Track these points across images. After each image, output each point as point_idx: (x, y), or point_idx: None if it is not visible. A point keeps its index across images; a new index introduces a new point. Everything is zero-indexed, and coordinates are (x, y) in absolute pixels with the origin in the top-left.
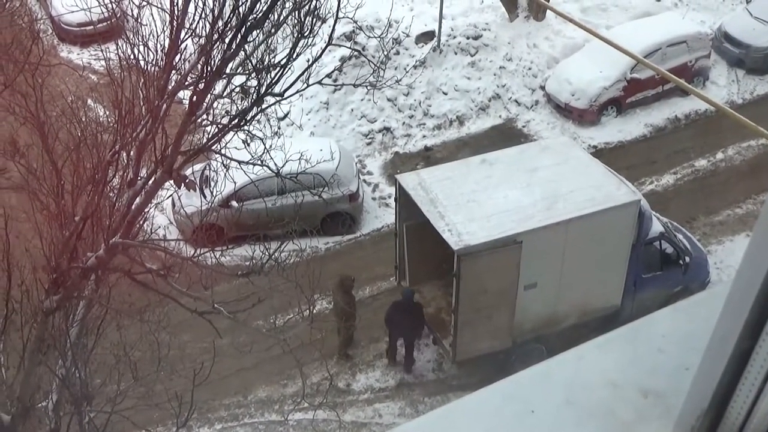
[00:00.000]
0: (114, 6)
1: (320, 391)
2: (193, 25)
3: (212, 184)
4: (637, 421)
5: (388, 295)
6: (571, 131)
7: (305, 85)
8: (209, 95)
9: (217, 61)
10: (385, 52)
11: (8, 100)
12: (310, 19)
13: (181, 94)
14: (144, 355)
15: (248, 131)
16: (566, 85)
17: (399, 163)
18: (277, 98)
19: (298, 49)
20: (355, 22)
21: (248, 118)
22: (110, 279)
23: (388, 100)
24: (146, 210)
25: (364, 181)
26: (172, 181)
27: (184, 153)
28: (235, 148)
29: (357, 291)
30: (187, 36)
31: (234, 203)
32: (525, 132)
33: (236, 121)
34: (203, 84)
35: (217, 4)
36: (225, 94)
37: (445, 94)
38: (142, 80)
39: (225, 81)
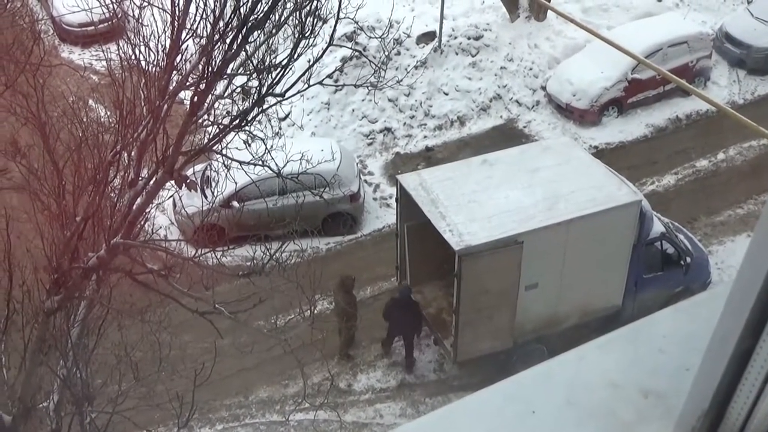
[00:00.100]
0: (115, 6)
1: (321, 391)
2: (194, 26)
3: (213, 184)
4: (638, 421)
5: (389, 295)
6: (572, 131)
7: (306, 85)
8: (210, 96)
9: (218, 62)
10: (386, 53)
11: (9, 100)
12: (311, 19)
13: (182, 94)
14: (145, 355)
15: (249, 132)
16: (567, 86)
17: (400, 164)
18: (278, 99)
19: (299, 50)
20: (356, 22)
21: (249, 119)
22: (111, 279)
23: (389, 100)
24: (147, 210)
25: (365, 181)
26: (173, 182)
27: (185, 153)
28: (236, 148)
29: (358, 291)
30: (188, 36)
31: (235, 203)
32: (526, 132)
33: (237, 121)
34: (204, 84)
35: (218, 5)
36: (226, 94)
37: (446, 94)
38: (143, 81)
39: (226, 81)
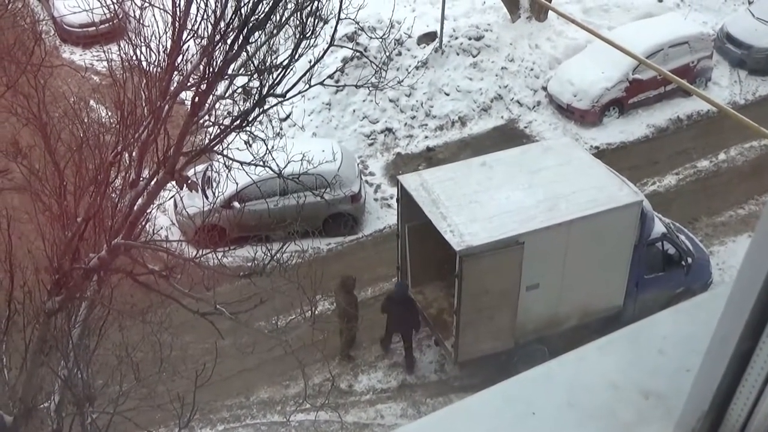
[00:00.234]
0: (116, 7)
1: (322, 392)
2: (195, 26)
3: (214, 185)
4: (638, 422)
5: None
6: (573, 132)
7: (307, 86)
8: (211, 96)
9: (219, 62)
10: (387, 53)
11: (11, 101)
12: (312, 20)
13: (183, 95)
14: (146, 356)
15: (250, 132)
16: (568, 86)
17: (401, 164)
18: (279, 99)
19: (300, 50)
20: (357, 23)
21: (250, 119)
22: (112, 280)
23: (390, 100)
24: (148, 211)
25: (366, 181)
26: (174, 182)
27: (186, 154)
28: (237, 149)
29: (359, 292)
30: (189, 37)
31: (236, 204)
32: (527, 133)
33: (238, 122)
34: (205, 85)
35: (219, 5)
36: (227, 95)
37: (447, 94)
38: (144, 81)
39: (227, 82)
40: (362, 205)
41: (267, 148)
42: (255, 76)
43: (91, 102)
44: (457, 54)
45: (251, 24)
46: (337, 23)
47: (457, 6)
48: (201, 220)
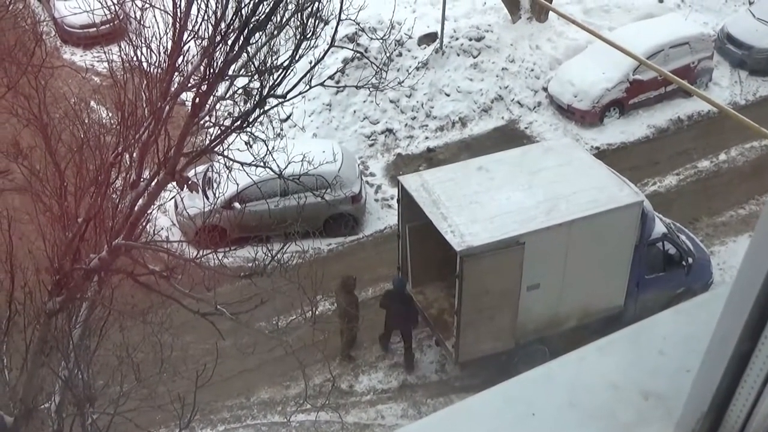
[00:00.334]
0: (117, 8)
1: (323, 392)
2: (196, 27)
3: (215, 185)
4: (638, 423)
5: None
6: (573, 132)
7: (308, 86)
8: (212, 97)
9: (219, 63)
10: (388, 54)
11: (11, 101)
12: (313, 20)
13: (183, 95)
14: (147, 356)
15: (251, 133)
16: (569, 87)
17: (401, 165)
18: (280, 100)
19: (300, 51)
20: (358, 23)
21: (251, 120)
22: (113, 280)
23: (391, 101)
24: (149, 212)
25: (367, 182)
26: (174, 183)
27: (186, 155)
28: (238, 149)
29: (360, 292)
30: (189, 38)
31: (237, 205)
32: (527, 133)
33: (239, 122)
34: (206, 86)
35: (219, 6)
36: (227, 95)
37: (448, 95)
38: (145, 82)
39: (227, 83)
40: (363, 206)
41: (267, 149)
42: (255, 77)
43: (92, 103)
44: (458, 55)
45: (252, 25)
46: (338, 24)
47: (458, 7)
48: (201, 220)
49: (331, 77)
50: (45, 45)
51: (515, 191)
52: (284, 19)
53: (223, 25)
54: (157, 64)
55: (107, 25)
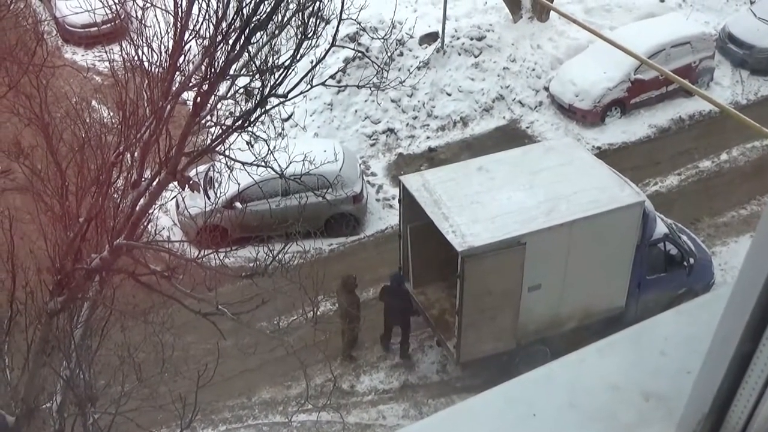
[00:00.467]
0: (118, 7)
1: (324, 392)
2: (197, 27)
3: (216, 185)
4: (639, 424)
5: None
6: (574, 132)
7: (309, 86)
8: (213, 96)
9: (220, 63)
10: (389, 54)
11: (13, 101)
12: (314, 20)
13: (185, 95)
14: (148, 356)
15: (252, 132)
16: (570, 86)
17: (403, 165)
18: (281, 99)
19: (301, 51)
20: (359, 23)
21: (252, 120)
22: (114, 280)
23: (392, 101)
24: (150, 211)
25: (368, 182)
26: (176, 183)
27: (188, 154)
28: (239, 149)
29: (361, 293)
30: (190, 37)
31: (238, 204)
32: (529, 133)
33: (240, 122)
34: (207, 85)
35: (220, 6)
36: (229, 95)
37: (449, 95)
38: (146, 81)
39: (229, 82)
40: (364, 206)
41: (269, 149)
42: (257, 76)
43: (93, 102)
44: (459, 54)
45: (253, 24)
46: (339, 23)
47: (459, 6)
48: (203, 220)
49: (332, 77)
50: (46, 44)
51: (516, 191)
52: (285, 19)
53: (224, 24)
54: (158, 64)
55: (108, 25)
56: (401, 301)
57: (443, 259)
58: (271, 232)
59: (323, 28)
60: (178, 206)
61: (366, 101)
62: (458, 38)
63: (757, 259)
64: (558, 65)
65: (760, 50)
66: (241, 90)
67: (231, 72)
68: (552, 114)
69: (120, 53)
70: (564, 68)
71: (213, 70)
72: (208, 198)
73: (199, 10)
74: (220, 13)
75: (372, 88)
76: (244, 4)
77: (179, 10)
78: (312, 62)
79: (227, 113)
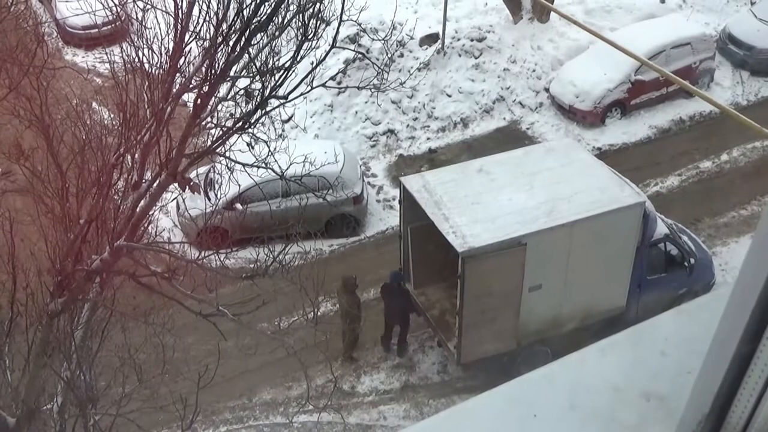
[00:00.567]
0: (118, 9)
1: (325, 393)
2: (197, 28)
3: (216, 186)
4: (640, 424)
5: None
6: (575, 133)
7: (309, 87)
8: (213, 98)
9: (221, 64)
10: (389, 55)
11: (13, 103)
12: (314, 21)
13: (185, 97)
14: (149, 357)
15: (252, 134)
16: (570, 87)
17: (403, 166)
18: (281, 101)
19: (302, 52)
20: (359, 24)
21: (252, 121)
22: (115, 282)
23: (392, 102)
24: (151, 213)
25: (369, 183)
26: (176, 184)
27: (188, 156)
28: (240, 150)
29: (361, 293)
30: (191, 39)
31: (238, 206)
32: (529, 134)
33: (240, 123)
34: (207, 87)
35: (221, 7)
36: (229, 96)
37: (449, 96)
38: (147, 83)
39: (229, 84)
40: (364, 207)
41: (269, 150)
42: (257, 77)
43: (94, 104)
44: (459, 55)
45: (253, 26)
46: (339, 25)
47: (459, 7)
48: (203, 221)
49: (332, 78)
50: (47, 46)
51: (517, 192)
52: (286, 20)
53: (224, 26)
54: (158, 65)
55: (109, 27)
56: (400, 299)
57: (444, 259)
58: (271, 234)
59: (323, 30)
60: (178, 208)
61: (366, 102)
62: (458, 39)
63: (757, 259)
64: (558, 66)
65: (760, 51)
66: (242, 91)
67: (231, 73)
68: (552, 115)
69: (120, 55)
70: (564, 69)
71: (213, 71)
72: (209, 199)
73: (200, 12)
74: (220, 15)
75: (372, 90)
76: (244, 6)
77: (179, 11)
78: (312, 63)
79: (227, 115)
